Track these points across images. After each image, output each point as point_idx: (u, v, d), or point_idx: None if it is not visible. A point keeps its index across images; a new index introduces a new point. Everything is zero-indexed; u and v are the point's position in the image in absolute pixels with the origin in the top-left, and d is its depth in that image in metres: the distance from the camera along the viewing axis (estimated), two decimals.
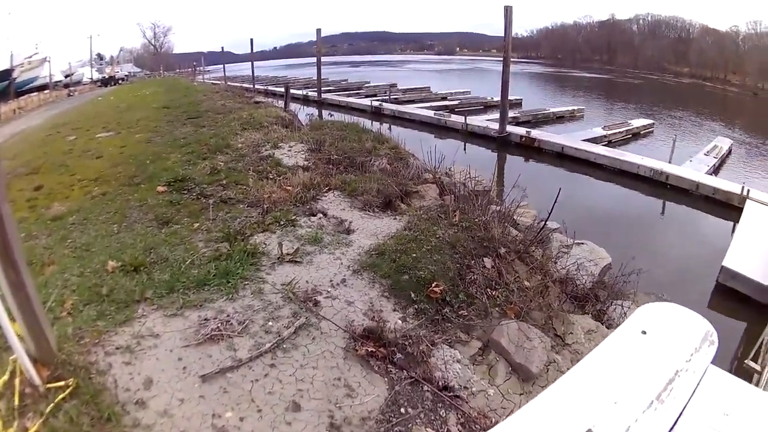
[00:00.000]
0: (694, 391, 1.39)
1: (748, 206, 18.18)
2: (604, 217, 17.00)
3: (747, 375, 7.51)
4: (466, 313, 6.42)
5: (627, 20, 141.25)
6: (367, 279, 6.66)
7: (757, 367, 7.24)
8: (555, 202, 9.14)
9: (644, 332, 1.58)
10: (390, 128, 27.05)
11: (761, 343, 7.52)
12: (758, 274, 12.21)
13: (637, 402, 1.36)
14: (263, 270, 6.64)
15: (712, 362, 1.55)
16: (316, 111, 34.07)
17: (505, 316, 6.48)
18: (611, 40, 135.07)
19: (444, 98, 44.66)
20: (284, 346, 5.19)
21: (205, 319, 5.42)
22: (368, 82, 60.65)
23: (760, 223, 16.42)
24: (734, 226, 16.39)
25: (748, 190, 19.52)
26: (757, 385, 6.30)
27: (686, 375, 1.42)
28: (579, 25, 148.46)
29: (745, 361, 7.45)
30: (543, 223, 9.51)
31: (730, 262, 12.87)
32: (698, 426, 1.32)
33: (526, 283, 7.43)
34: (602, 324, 7.77)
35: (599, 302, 8.77)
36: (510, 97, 31.01)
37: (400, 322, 5.93)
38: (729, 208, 19.33)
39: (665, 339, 1.55)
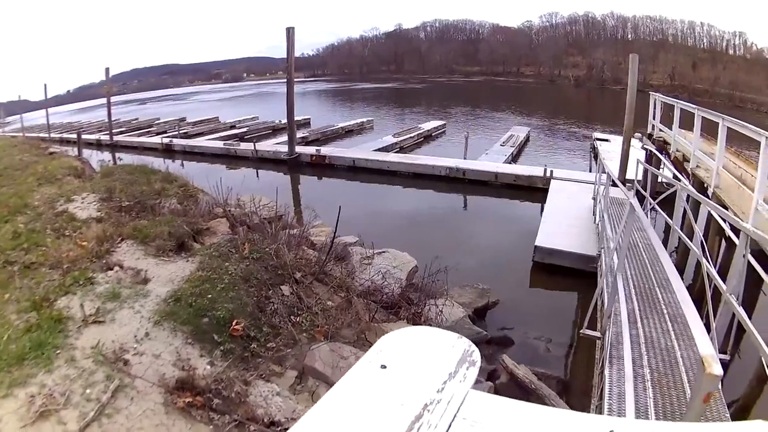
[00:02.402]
0: (450, 424, 1.20)
1: (553, 186, 19.79)
2: (407, 222, 17.42)
3: (590, 343, 8.13)
4: (274, 345, 6.47)
5: (414, 28, 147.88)
6: (169, 329, 6.57)
7: (597, 334, 7.58)
8: (338, 218, 9.51)
9: (384, 366, 1.34)
10: (183, 164, 26.87)
11: (593, 308, 7.95)
12: (570, 244, 13.31)
13: None
14: (71, 335, 6.49)
15: (475, 382, 1.35)
16: (110, 155, 33.08)
17: (314, 340, 6.60)
18: (398, 50, 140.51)
19: (233, 126, 44.45)
20: (107, 411, 5.09)
21: (32, 396, 5.39)
22: (158, 119, 59.43)
23: (564, 198, 18.00)
24: (542, 206, 17.39)
25: (551, 171, 21.21)
26: (601, 351, 6.94)
27: (439, 407, 1.23)
28: (365, 38, 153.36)
29: (581, 331, 7.81)
30: (331, 241, 9.81)
31: (542, 240, 13.84)
32: None
33: (329, 302, 7.63)
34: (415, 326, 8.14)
35: (413, 305, 9.10)
36: (298, 118, 31.51)
37: (209, 367, 5.97)
38: (535, 191, 20.62)
39: (411, 370, 1.34)
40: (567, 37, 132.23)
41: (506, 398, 1.31)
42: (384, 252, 11.48)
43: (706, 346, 2.00)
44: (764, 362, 5.00)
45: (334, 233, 9.91)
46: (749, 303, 9.99)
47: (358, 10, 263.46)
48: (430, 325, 8.27)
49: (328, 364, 6.10)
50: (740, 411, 8.43)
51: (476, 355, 1.37)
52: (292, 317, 7.06)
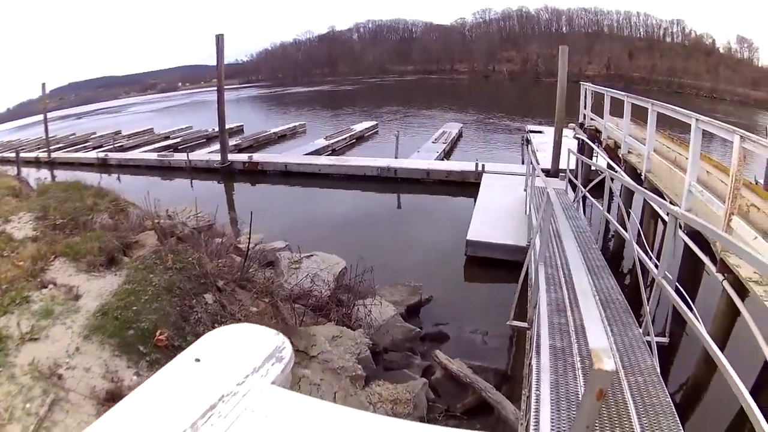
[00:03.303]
0: (239, 416, 1.38)
1: (485, 180, 20.06)
2: (339, 225, 17.44)
3: (520, 334, 8.33)
4: None
5: (347, 30, 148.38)
6: (97, 342, 6.55)
7: (524, 324, 7.69)
8: (251, 223, 9.57)
9: (198, 360, 1.57)
10: (119, 178, 26.59)
11: (525, 299, 8.03)
12: (502, 236, 13.53)
13: None
14: (11, 354, 6.53)
15: (283, 374, 1.60)
16: (48, 172, 32.55)
17: None
18: (332, 52, 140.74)
19: (167, 137, 43.93)
20: (45, 425, 5.17)
21: None
22: (94, 133, 58.59)
23: (496, 191, 18.26)
24: (475, 201, 17.56)
25: (483, 165, 21.53)
26: (530, 341, 6.95)
27: (234, 399, 1.42)
28: (299, 42, 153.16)
29: (508, 322, 8.02)
30: (247, 247, 9.85)
31: (473, 234, 14.05)
32: None
33: (253, 308, 7.71)
34: (349, 327, 8.16)
35: (343, 306, 9.12)
36: (230, 125, 31.58)
37: (135, 377, 5.92)
38: (468, 185, 20.87)
39: (220, 364, 1.55)
40: (501, 33, 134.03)
41: (305, 396, 1.53)
42: (312, 255, 11.51)
43: (598, 339, 2.03)
44: (703, 341, 5.18)
45: (249, 239, 9.92)
46: (692, 285, 10.25)
47: (294, 13, 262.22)
48: (360, 325, 8.38)
49: None
50: (691, 391, 8.63)
51: (286, 352, 1.65)
52: (215, 325, 6.93)
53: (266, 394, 1.46)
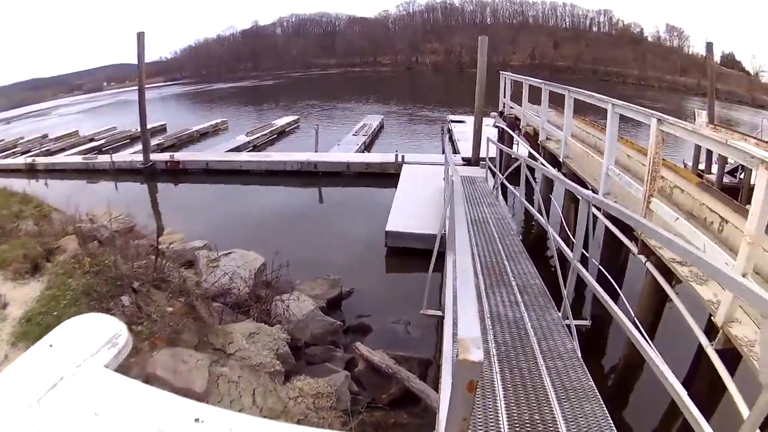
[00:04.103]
0: (75, 393, 1.53)
1: (405, 171, 20.25)
2: (261, 221, 17.32)
3: (437, 323, 8.30)
4: None
5: (271, 24, 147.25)
6: (23, 348, 6.45)
7: (438, 312, 7.67)
8: (157, 224, 9.44)
9: (51, 345, 1.72)
10: (47, 183, 26.00)
11: (429, 288, 7.97)
12: (422, 226, 13.60)
13: (17, 407, 1.47)
14: None
15: (118, 361, 1.75)
16: None
17: (155, 347, 6.53)
18: (256, 47, 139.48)
19: (92, 139, 43.04)
20: None
21: None
22: (22, 138, 57.17)
23: (416, 182, 18.48)
24: (395, 192, 17.66)
25: (403, 156, 21.75)
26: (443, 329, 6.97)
27: (72, 379, 1.56)
28: (222, 37, 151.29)
29: (422, 311, 7.91)
30: (156, 247, 9.69)
31: (393, 225, 14.21)
32: (70, 425, 1.45)
33: (169, 309, 7.57)
34: (268, 323, 8.05)
35: (262, 303, 9.00)
36: (154, 124, 31.10)
37: None
38: (388, 177, 20.98)
39: (66, 349, 1.69)
40: (425, 25, 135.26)
41: (133, 380, 1.69)
42: (230, 253, 11.36)
43: (467, 329, 1.96)
44: (622, 325, 5.14)
45: (157, 239, 9.80)
46: (618, 268, 10.35)
47: (218, 8, 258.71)
48: (279, 321, 8.25)
49: (168, 369, 5.94)
50: (619, 376, 8.82)
51: (122, 338, 1.78)
52: (132, 327, 6.84)
53: (99, 376, 1.60)
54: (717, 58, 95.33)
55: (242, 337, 7.18)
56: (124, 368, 5.42)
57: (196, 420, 1.50)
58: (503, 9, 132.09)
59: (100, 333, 1.79)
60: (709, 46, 27.35)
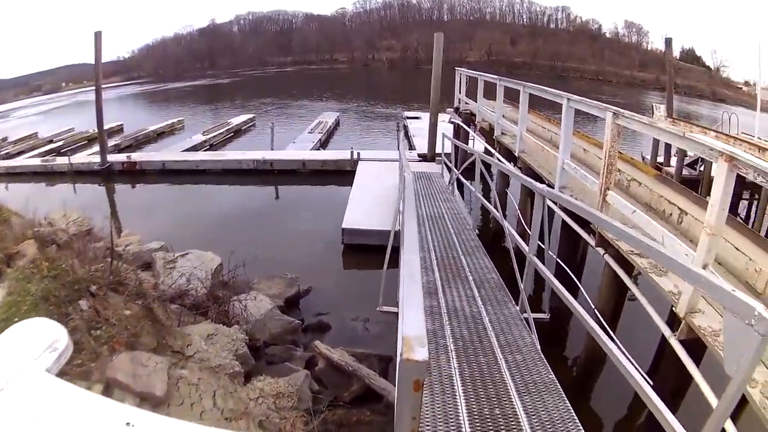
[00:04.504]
0: (16, 396, 1.53)
1: (360, 167, 20.36)
2: (217, 220, 17.02)
3: (396, 319, 8.26)
4: (80, 360, 6.31)
5: (228, 23, 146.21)
6: None
7: (395, 309, 7.53)
8: (111, 225, 9.31)
9: None
10: (7, 187, 25.65)
11: (383, 285, 7.93)
12: (378, 223, 13.59)
13: None
14: None
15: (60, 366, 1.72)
16: None
17: (115, 351, 6.46)
18: (213, 45, 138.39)
19: (50, 141, 42.48)
20: None
21: None
22: None
23: (371, 178, 18.59)
24: (351, 189, 17.71)
25: (358, 153, 21.84)
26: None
27: (15, 383, 1.56)
28: (180, 36, 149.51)
29: (377, 308, 8.06)
30: (111, 249, 9.57)
31: (349, 221, 14.25)
32: (13, 428, 1.46)
33: (127, 312, 7.48)
34: (227, 324, 7.95)
35: (220, 303, 8.93)
36: (111, 125, 30.77)
37: None
38: (344, 174, 21.04)
39: (11, 353, 1.68)
40: (381, 22, 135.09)
41: (71, 384, 1.65)
42: (187, 254, 11.23)
43: (412, 327, 1.91)
44: (579, 317, 5.13)
45: (112, 241, 9.63)
46: (578, 261, 10.39)
47: (176, 6, 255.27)
48: (237, 321, 8.17)
49: (128, 373, 5.83)
50: (582, 369, 8.79)
51: (62, 343, 1.72)
52: (92, 331, 6.75)
53: (41, 380, 1.59)
54: (677, 53, 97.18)
55: (201, 338, 7.10)
56: (85, 373, 5.36)
57: (127, 424, 1.47)
58: (460, 6, 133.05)
59: (41, 338, 1.76)
60: (668, 42, 27.87)
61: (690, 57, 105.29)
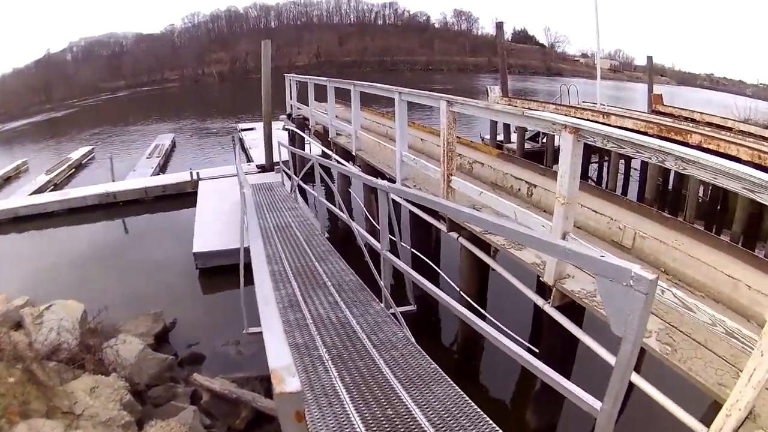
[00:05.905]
0: None
1: (202, 187, 20.08)
2: (72, 263, 16.12)
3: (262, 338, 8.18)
4: None
5: (62, 51, 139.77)
6: None
7: (260, 329, 7.42)
8: None
9: None
10: None
11: (243, 305, 7.79)
12: (228, 242, 13.29)
13: None
14: None
15: None
16: None
17: (12, 423, 6.17)
18: (48, 77, 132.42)
19: None
20: None
21: None
22: None
23: (215, 197, 18.36)
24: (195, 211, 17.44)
25: (198, 173, 21.59)
26: None
27: None
28: (17, 70, 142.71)
29: (244, 331, 7.96)
30: None
31: (199, 245, 13.97)
32: None
33: (11, 379, 7.14)
34: (104, 374, 7.71)
35: (94, 353, 8.55)
36: None
37: None
38: (187, 196, 20.66)
39: None
40: (210, 35, 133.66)
41: None
42: (51, 305, 10.76)
43: (277, 357, 1.85)
44: (446, 304, 5.20)
45: None
46: (434, 248, 10.56)
47: (10, 38, 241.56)
48: (114, 369, 7.99)
49: None
50: (465, 356, 9.03)
51: None
52: None
53: None
54: (509, 35, 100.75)
55: (85, 393, 6.85)
56: None
57: None
58: (287, 11, 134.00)
59: None
60: (500, 25, 29.35)
61: (523, 37, 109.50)
